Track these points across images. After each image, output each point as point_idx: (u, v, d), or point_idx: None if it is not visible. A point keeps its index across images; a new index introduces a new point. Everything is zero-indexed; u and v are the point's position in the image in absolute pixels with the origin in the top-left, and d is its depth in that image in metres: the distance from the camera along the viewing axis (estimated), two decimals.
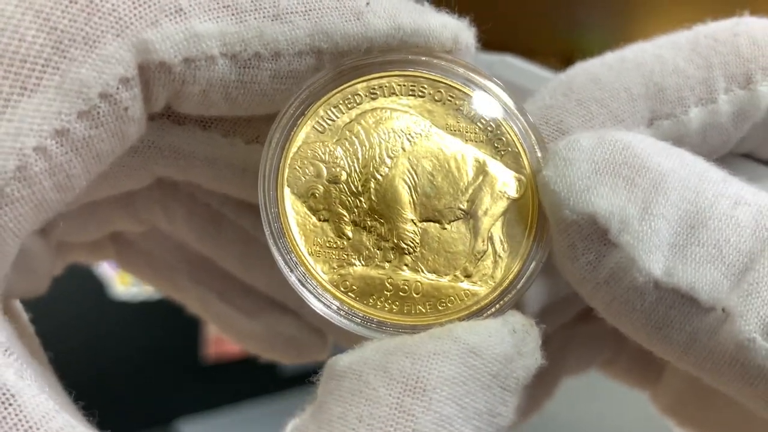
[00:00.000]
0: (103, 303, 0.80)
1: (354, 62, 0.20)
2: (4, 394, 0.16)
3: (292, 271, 0.20)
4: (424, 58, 0.20)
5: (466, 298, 0.20)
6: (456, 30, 0.21)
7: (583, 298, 0.19)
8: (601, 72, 0.21)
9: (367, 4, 0.19)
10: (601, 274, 0.18)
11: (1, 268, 0.18)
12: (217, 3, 0.18)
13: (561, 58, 0.23)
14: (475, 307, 0.20)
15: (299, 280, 0.20)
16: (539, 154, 0.20)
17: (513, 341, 0.18)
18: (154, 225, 0.27)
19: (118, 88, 0.17)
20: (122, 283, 0.82)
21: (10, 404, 0.16)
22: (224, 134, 0.22)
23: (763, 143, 0.23)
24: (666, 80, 0.21)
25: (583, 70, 0.22)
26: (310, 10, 0.19)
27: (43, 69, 0.16)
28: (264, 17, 0.19)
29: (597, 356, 0.31)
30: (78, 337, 0.74)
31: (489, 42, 0.22)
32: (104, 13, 0.17)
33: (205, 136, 0.21)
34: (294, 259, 0.20)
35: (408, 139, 0.20)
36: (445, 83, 0.20)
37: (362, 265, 0.20)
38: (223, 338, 0.82)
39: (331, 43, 0.19)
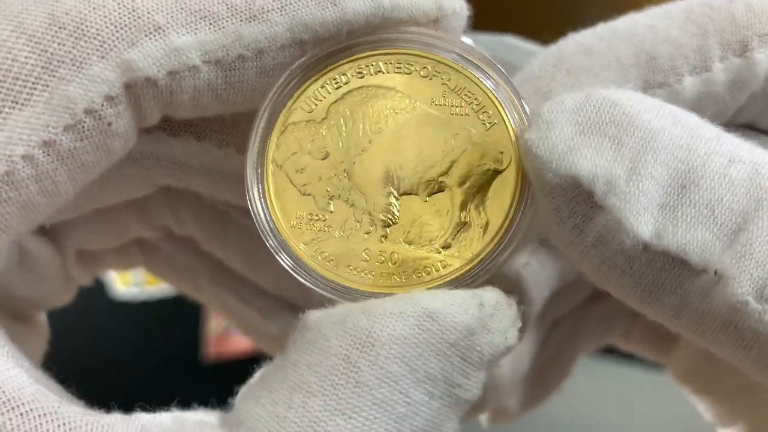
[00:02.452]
0: (104, 303, 0.80)
1: (341, 44, 0.20)
2: None
3: (274, 243, 0.20)
4: (409, 35, 0.20)
5: (442, 269, 0.20)
6: None
7: (573, 263, 0.19)
8: (592, 42, 0.21)
9: None
10: (588, 237, 0.18)
11: None
12: (194, 15, 0.19)
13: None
14: (450, 278, 0.20)
15: (282, 253, 0.20)
16: (525, 126, 0.20)
17: (479, 315, 0.18)
18: (167, 230, 0.27)
19: (102, 105, 0.18)
20: (123, 283, 0.82)
21: None
22: (218, 145, 0.22)
23: (763, 113, 0.22)
24: (658, 49, 0.21)
25: (573, 41, 0.22)
26: (285, 4, 0.19)
27: (34, 86, 0.18)
28: (240, 20, 0.19)
29: (610, 332, 0.31)
30: (78, 336, 0.74)
31: (487, 27, 0.22)
32: (89, 37, 0.18)
33: (199, 147, 0.22)
34: (276, 232, 0.20)
35: (392, 116, 0.20)
36: (431, 58, 0.20)
37: (343, 237, 0.20)
38: (223, 338, 0.82)
39: (311, 33, 0.20)
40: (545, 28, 0.23)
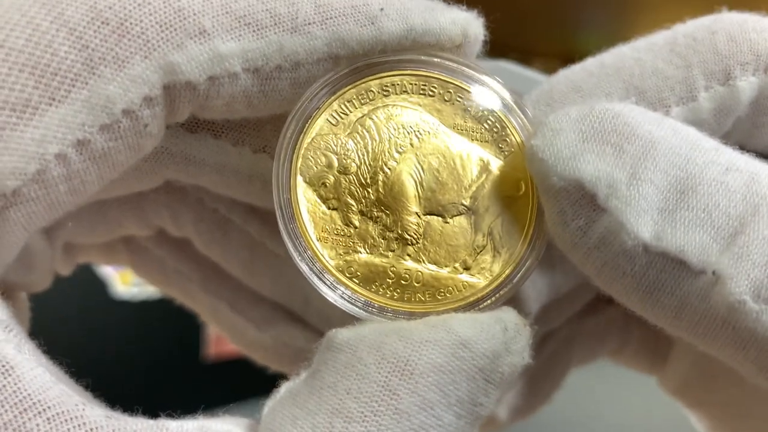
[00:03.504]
0: (104, 302, 0.80)
1: (369, 61, 0.21)
2: (3, 365, 0.16)
3: (300, 255, 0.21)
4: (436, 60, 0.21)
5: (463, 289, 0.21)
6: (464, 25, 0.21)
7: (576, 265, 0.20)
8: (581, 79, 0.22)
9: (381, 9, 0.20)
10: (591, 239, 0.19)
11: (6, 257, 0.18)
12: (239, 21, 0.19)
13: (561, 59, 0.23)
14: (472, 298, 0.21)
15: (307, 265, 0.21)
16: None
17: (503, 339, 0.19)
18: (161, 229, 0.27)
19: (141, 106, 0.18)
20: (123, 283, 0.82)
21: (9, 375, 0.16)
22: (234, 143, 0.22)
23: (750, 136, 0.23)
24: (645, 83, 0.22)
25: (564, 77, 0.23)
26: (326, 19, 0.19)
27: (72, 83, 0.17)
28: (283, 31, 0.19)
29: (603, 347, 0.31)
30: (78, 335, 0.74)
31: (489, 42, 0.23)
32: (134, 35, 0.18)
33: (215, 145, 0.22)
34: (303, 244, 0.21)
35: (416, 136, 0.21)
36: (454, 84, 0.21)
37: (367, 253, 0.21)
38: (223, 338, 0.82)
39: (348, 49, 0.20)
40: (548, 51, 0.24)
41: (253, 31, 0.19)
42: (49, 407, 0.16)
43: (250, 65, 0.19)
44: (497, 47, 0.25)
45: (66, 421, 0.16)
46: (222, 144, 0.22)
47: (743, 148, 0.23)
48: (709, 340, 0.19)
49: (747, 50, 0.22)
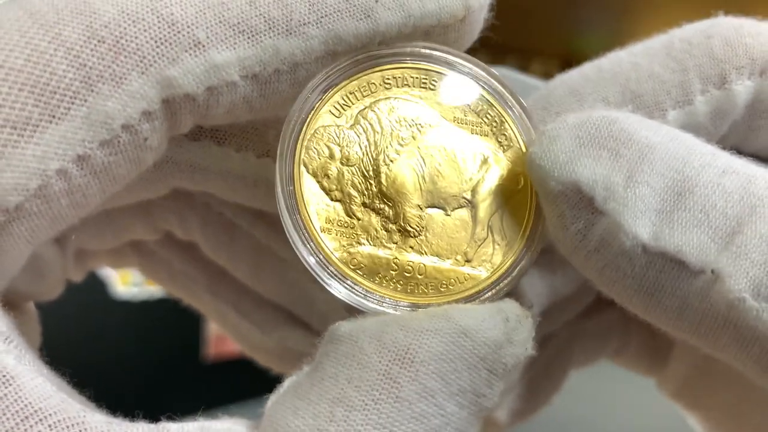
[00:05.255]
0: (104, 302, 0.80)
1: (370, 53, 0.21)
2: (3, 376, 0.17)
3: (304, 246, 0.20)
4: (437, 53, 0.21)
5: (465, 281, 0.21)
6: None
7: (577, 269, 0.20)
8: (578, 83, 0.22)
9: (377, 0, 0.20)
10: (591, 241, 0.19)
11: (10, 270, 0.19)
12: (233, 30, 0.19)
13: (561, 59, 0.23)
14: (473, 290, 0.21)
15: (311, 256, 0.20)
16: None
17: (505, 329, 0.19)
18: (169, 233, 0.27)
19: (139, 121, 0.18)
20: (123, 283, 0.82)
21: (9, 384, 0.16)
22: (237, 149, 0.23)
23: (745, 139, 0.24)
24: (642, 86, 0.22)
25: (561, 82, 0.23)
26: (321, 17, 0.19)
27: (72, 101, 0.17)
28: (278, 34, 0.19)
29: (604, 348, 0.31)
30: (78, 335, 0.74)
31: (489, 43, 0.23)
32: (130, 52, 0.18)
33: (219, 151, 0.23)
34: (307, 235, 0.20)
35: (418, 129, 0.21)
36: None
37: (370, 244, 0.21)
38: (223, 338, 0.82)
39: (345, 45, 0.20)
40: (548, 51, 0.24)
41: (248, 38, 0.19)
42: (50, 414, 0.16)
43: (248, 72, 0.19)
44: (497, 47, 0.25)
45: (68, 427, 0.16)
46: (226, 150, 0.22)
47: (739, 151, 0.23)
48: (712, 340, 0.19)
49: (743, 54, 0.22)
